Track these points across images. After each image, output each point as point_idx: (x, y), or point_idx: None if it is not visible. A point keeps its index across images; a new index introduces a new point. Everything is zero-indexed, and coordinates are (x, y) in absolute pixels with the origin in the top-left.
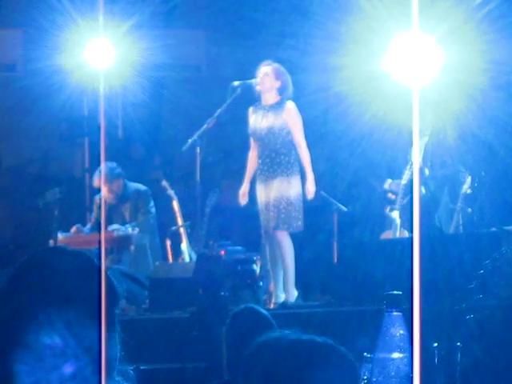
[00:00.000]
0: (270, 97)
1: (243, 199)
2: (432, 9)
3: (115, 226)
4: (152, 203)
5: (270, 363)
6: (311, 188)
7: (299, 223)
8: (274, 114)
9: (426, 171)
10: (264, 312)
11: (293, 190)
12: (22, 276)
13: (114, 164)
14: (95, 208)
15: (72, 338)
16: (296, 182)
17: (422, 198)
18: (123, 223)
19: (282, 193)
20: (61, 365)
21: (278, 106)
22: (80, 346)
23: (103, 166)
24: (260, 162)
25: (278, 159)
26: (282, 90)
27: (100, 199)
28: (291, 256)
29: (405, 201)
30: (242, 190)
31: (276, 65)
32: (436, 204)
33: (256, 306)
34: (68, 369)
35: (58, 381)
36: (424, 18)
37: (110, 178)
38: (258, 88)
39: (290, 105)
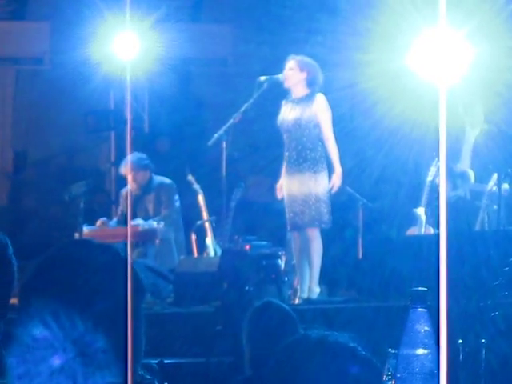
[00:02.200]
0: (298, 90)
1: (280, 193)
2: (460, 5)
3: (139, 221)
4: (176, 197)
5: (294, 364)
6: (337, 182)
7: (328, 219)
8: (303, 107)
9: (471, 175)
10: (285, 306)
11: (320, 187)
12: (48, 269)
13: (143, 155)
14: (122, 201)
15: (97, 332)
16: (322, 178)
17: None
18: (146, 216)
19: (311, 189)
20: (79, 355)
21: (308, 98)
22: (104, 340)
23: (130, 156)
24: (287, 154)
25: (303, 153)
26: (310, 82)
27: (127, 193)
28: (319, 254)
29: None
30: (279, 183)
31: (299, 57)
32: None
33: (276, 301)
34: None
35: (79, 373)
36: (452, 14)
37: (137, 167)
38: (286, 84)
39: (320, 97)
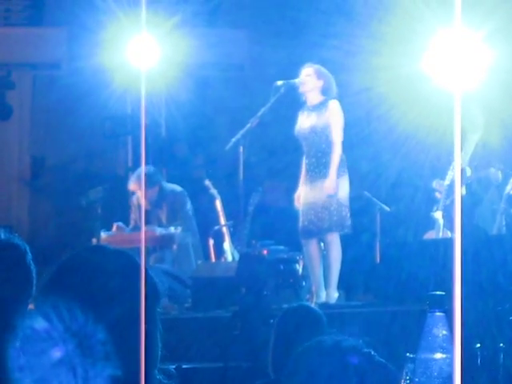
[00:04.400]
0: (313, 97)
1: (299, 202)
2: (477, 5)
3: (153, 227)
4: (189, 204)
5: (310, 368)
6: (329, 185)
7: (349, 224)
8: (318, 114)
9: (468, 171)
10: (317, 310)
11: (342, 192)
12: (64, 274)
13: (151, 169)
14: (133, 210)
15: (114, 337)
16: (344, 182)
17: (462, 199)
18: (160, 225)
19: (332, 194)
20: (82, 350)
21: (322, 105)
22: (121, 345)
23: (138, 171)
24: (306, 162)
25: (323, 159)
26: (325, 90)
27: (137, 200)
28: (338, 259)
29: (448, 201)
30: (297, 193)
31: (317, 66)
32: (476, 205)
33: (309, 305)
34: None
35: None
36: (468, 15)
37: (147, 184)
38: (301, 89)
39: (333, 104)
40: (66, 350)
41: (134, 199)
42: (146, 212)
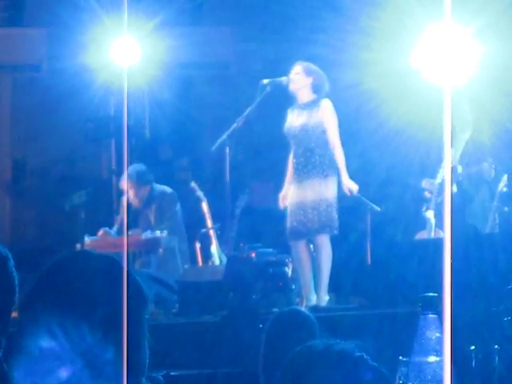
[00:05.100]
0: (304, 95)
1: (283, 202)
2: (467, 1)
3: (138, 231)
4: (178, 206)
5: (301, 372)
6: (352, 186)
7: (337, 225)
8: (309, 112)
9: (459, 169)
10: (309, 315)
11: (330, 192)
12: (48, 280)
13: (143, 168)
14: (123, 210)
15: (98, 342)
16: (332, 183)
17: (453, 197)
18: (148, 226)
19: (321, 195)
20: (85, 367)
21: (314, 104)
22: (106, 350)
23: (130, 169)
24: (295, 161)
25: (312, 159)
26: (316, 88)
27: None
28: (329, 261)
29: (439, 200)
30: (282, 192)
31: (305, 63)
32: (467, 203)
33: (301, 309)
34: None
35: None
36: (458, 11)
37: (137, 183)
38: (291, 87)
39: (326, 103)
40: (74, 370)
41: (124, 200)
42: (136, 212)
